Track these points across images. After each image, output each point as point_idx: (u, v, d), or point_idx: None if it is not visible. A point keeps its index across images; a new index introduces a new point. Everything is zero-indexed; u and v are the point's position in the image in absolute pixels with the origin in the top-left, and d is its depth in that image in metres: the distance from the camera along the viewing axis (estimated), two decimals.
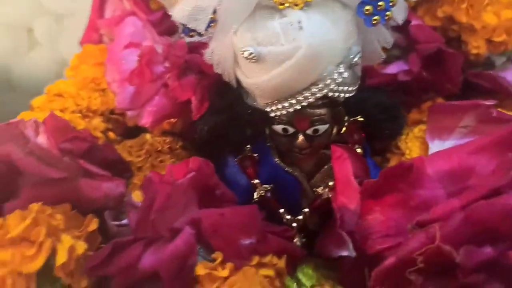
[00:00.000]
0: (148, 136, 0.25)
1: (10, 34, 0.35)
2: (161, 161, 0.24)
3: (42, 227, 0.17)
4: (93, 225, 0.19)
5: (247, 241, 0.18)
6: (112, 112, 0.26)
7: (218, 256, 0.17)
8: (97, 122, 0.25)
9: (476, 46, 0.29)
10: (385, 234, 0.18)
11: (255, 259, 0.18)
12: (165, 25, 0.27)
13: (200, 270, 0.17)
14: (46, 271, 0.17)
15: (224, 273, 0.17)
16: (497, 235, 0.15)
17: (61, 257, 0.17)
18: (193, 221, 0.18)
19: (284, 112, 0.21)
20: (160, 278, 0.18)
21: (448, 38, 0.29)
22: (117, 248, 0.18)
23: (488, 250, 0.15)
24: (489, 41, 0.30)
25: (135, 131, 0.27)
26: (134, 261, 0.18)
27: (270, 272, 0.18)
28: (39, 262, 0.17)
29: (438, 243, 0.15)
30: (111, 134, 0.26)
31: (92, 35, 0.29)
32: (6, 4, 0.34)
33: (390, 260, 0.16)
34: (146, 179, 0.19)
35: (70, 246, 0.17)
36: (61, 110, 0.26)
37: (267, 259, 0.18)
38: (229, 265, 0.17)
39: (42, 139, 0.19)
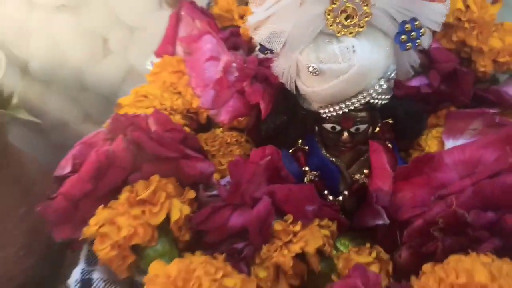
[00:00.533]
0: (218, 131, 0.32)
1: (87, 42, 0.42)
2: (230, 151, 0.31)
3: (162, 192, 0.23)
4: (191, 194, 0.25)
5: (310, 208, 0.24)
6: (188, 111, 0.32)
7: (290, 217, 0.23)
8: (178, 119, 0.31)
9: (484, 65, 0.35)
10: (413, 206, 0.24)
11: (316, 221, 0.24)
12: (230, 42, 0.33)
13: (277, 226, 0.23)
14: (164, 225, 0.23)
15: (296, 228, 0.23)
16: (497, 204, 0.21)
17: (175, 215, 0.23)
18: (269, 192, 0.24)
19: (334, 113, 0.27)
20: (243, 234, 0.24)
21: (461, 58, 0.35)
22: (213, 210, 0.24)
23: (490, 214, 0.21)
24: (494, 61, 0.36)
25: (205, 127, 0.33)
26: (225, 220, 0.24)
27: (327, 232, 0.24)
28: (160, 218, 0.23)
29: (454, 208, 0.21)
30: (187, 129, 0.32)
31: (168, 47, 0.35)
32: (86, 15, 0.41)
33: (418, 222, 0.22)
34: (233, 162, 0.25)
35: (180, 208, 0.23)
36: (148, 108, 0.32)
37: (324, 222, 0.24)
38: (298, 223, 0.23)
39: (153, 129, 0.25)
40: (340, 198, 0.29)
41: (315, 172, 0.29)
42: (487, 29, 0.34)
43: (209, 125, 0.33)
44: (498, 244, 0.21)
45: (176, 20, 0.35)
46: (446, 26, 0.34)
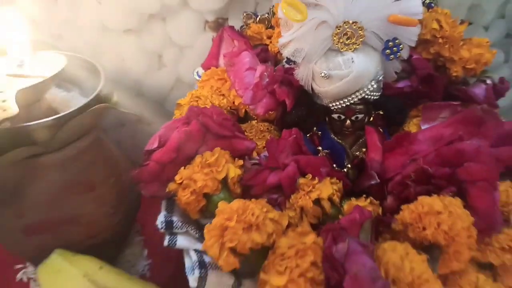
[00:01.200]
0: (254, 122, 0.42)
1: (146, 58, 0.53)
2: (263, 136, 0.41)
3: (222, 158, 0.34)
4: (240, 162, 0.36)
5: (323, 170, 0.34)
6: (230, 108, 0.43)
7: (309, 176, 0.34)
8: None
9: (456, 71, 0.45)
10: (395, 168, 0.34)
11: (328, 179, 0.34)
12: (261, 56, 0.44)
13: (301, 181, 0.33)
14: (224, 181, 0.34)
15: (314, 182, 0.33)
16: (451, 162, 0.31)
17: (231, 174, 0.34)
18: (295, 160, 0.35)
19: (339, 106, 0.37)
20: (277, 188, 0.34)
21: (437, 66, 0.46)
22: (256, 172, 0.34)
23: (447, 169, 0.31)
24: (464, 68, 0.46)
25: (243, 120, 0.44)
26: (265, 178, 0.34)
27: (335, 186, 0.34)
28: (222, 175, 0.33)
29: (422, 165, 0.31)
30: None
31: (213, 61, 0.46)
32: (146, 37, 0.52)
33: (398, 177, 0.33)
34: (269, 140, 0.35)
35: (234, 170, 0.34)
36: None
37: (333, 180, 0.34)
38: (316, 179, 0.33)
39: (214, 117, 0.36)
40: (345, 170, 0.40)
41: (327, 151, 0.40)
42: (456, 43, 0.44)
43: (246, 118, 0.43)
44: (454, 190, 0.32)
45: (219, 41, 0.46)
46: (425, 41, 0.44)
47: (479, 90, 0.44)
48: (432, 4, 0.47)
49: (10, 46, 0.35)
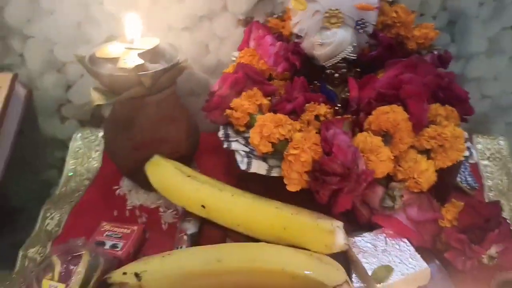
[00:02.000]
0: (275, 81, 0.64)
1: (197, 47, 0.75)
2: (282, 89, 0.63)
3: (259, 93, 0.55)
4: (268, 98, 0.57)
5: (320, 99, 0.55)
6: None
7: (312, 102, 0.55)
8: None
9: (411, 45, 0.66)
10: (365, 97, 0.55)
11: (323, 104, 0.55)
12: (279, 38, 0.66)
13: (308, 107, 0.55)
14: (260, 107, 0.55)
15: (316, 106, 0.54)
16: (396, 87, 0.52)
17: (264, 101, 0.55)
18: (303, 94, 0.56)
19: (330, 64, 0.59)
20: (293, 111, 0.55)
21: (397, 42, 0.67)
22: (279, 101, 0.56)
23: (393, 91, 0.52)
24: (417, 43, 0.67)
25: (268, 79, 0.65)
26: (284, 106, 0.55)
27: (328, 110, 0.55)
28: (259, 102, 0.55)
29: (378, 90, 0.52)
30: None
31: (245, 45, 0.68)
32: (197, 32, 0.74)
33: (366, 101, 0.54)
34: (285, 83, 0.57)
35: (265, 100, 0.55)
36: None
37: (327, 106, 0.55)
38: (316, 105, 0.55)
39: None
40: (336, 108, 0.61)
41: (324, 95, 0.61)
42: (409, 25, 0.65)
43: (270, 79, 0.65)
44: (398, 104, 0.52)
45: (249, 31, 0.68)
46: (387, 25, 0.65)
47: (426, 57, 0.65)
48: (394, 2, 0.68)
49: (127, 30, 0.57)
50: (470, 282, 0.50)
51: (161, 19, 0.71)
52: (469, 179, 0.66)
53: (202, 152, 0.68)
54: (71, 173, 0.70)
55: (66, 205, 0.63)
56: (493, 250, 0.49)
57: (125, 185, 0.66)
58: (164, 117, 0.58)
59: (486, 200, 0.69)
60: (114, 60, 0.55)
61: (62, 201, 0.64)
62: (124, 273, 0.43)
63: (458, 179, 0.66)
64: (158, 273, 0.43)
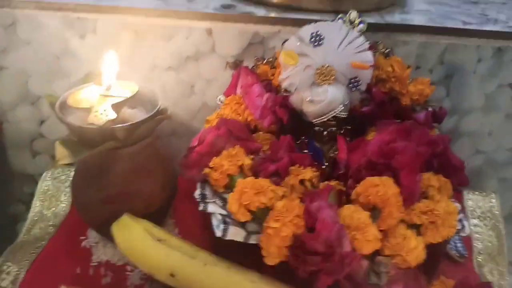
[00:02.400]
0: (261, 133, 0.60)
1: (181, 88, 0.71)
2: (267, 142, 0.59)
3: (241, 152, 0.51)
4: (251, 157, 0.53)
5: (307, 162, 0.52)
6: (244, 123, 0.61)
7: (297, 165, 0.51)
8: None
9: (405, 101, 0.63)
10: (355, 162, 0.51)
11: (309, 168, 0.51)
12: (267, 88, 0.63)
13: (292, 168, 0.51)
14: (241, 168, 0.51)
15: (301, 169, 0.50)
16: (388, 156, 0.49)
17: (246, 162, 0.51)
18: (288, 155, 0.52)
19: (319, 122, 0.55)
20: (277, 173, 0.51)
21: (391, 97, 0.64)
22: (262, 161, 0.52)
23: (385, 160, 0.48)
24: (411, 99, 0.64)
25: (253, 132, 0.62)
26: (267, 167, 0.51)
27: (315, 174, 0.51)
28: (240, 163, 0.51)
29: (369, 157, 0.49)
30: None
31: (232, 90, 0.64)
32: (183, 73, 0.70)
33: (356, 167, 0.50)
34: (271, 141, 0.53)
35: (248, 160, 0.51)
36: None
37: (314, 169, 0.52)
38: (302, 168, 0.51)
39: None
40: (323, 166, 0.57)
41: (311, 152, 0.57)
42: (405, 81, 0.62)
43: (255, 130, 0.61)
44: (389, 174, 0.49)
45: (237, 76, 0.64)
46: (382, 80, 0.62)
47: (420, 115, 0.62)
48: (390, 54, 0.66)
49: (104, 74, 0.53)
50: None
51: (145, 57, 0.68)
52: (459, 246, 0.63)
53: (181, 198, 0.63)
54: (36, 217, 0.65)
55: (26, 257, 0.58)
56: None
57: (92, 236, 0.61)
58: (138, 169, 0.54)
59: (475, 265, 0.65)
60: (87, 109, 0.51)
61: (22, 251, 0.59)
62: None
63: (448, 246, 0.62)
64: None
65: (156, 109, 0.53)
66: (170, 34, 0.66)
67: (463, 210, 0.70)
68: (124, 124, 0.50)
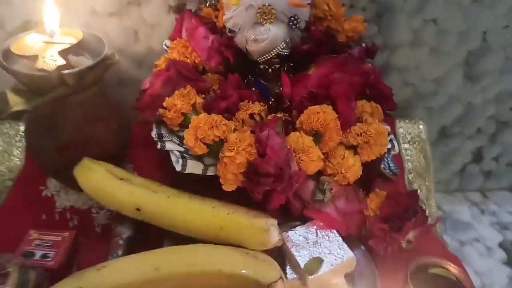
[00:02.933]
0: (209, 74, 0.63)
1: (126, 34, 0.71)
2: (215, 82, 0.62)
3: (192, 92, 0.54)
4: (202, 96, 0.56)
5: (254, 97, 0.56)
6: (192, 65, 0.63)
7: (246, 101, 0.55)
8: None
9: (341, 38, 0.68)
10: (297, 95, 0.56)
11: (257, 103, 0.55)
12: (211, 29, 0.64)
13: (242, 103, 0.55)
14: (194, 105, 0.54)
15: (250, 105, 0.54)
16: (327, 87, 0.54)
17: (198, 101, 0.54)
18: (237, 92, 0.56)
19: (263, 59, 0.59)
20: (228, 110, 0.55)
21: (329, 35, 0.68)
22: (213, 100, 0.55)
23: (324, 91, 0.54)
24: (346, 36, 0.70)
25: (201, 73, 0.64)
26: (219, 104, 0.55)
27: (262, 108, 0.56)
28: (193, 101, 0.54)
29: (310, 89, 0.54)
30: None
31: (177, 34, 0.66)
32: (126, 19, 0.70)
33: (298, 98, 0.55)
34: (221, 80, 0.56)
35: (199, 98, 0.55)
36: None
37: (261, 103, 0.56)
38: (250, 103, 0.55)
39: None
40: (270, 101, 0.62)
41: (258, 90, 0.61)
42: (340, 19, 0.67)
43: (203, 72, 0.64)
44: (328, 103, 0.54)
45: (181, 20, 0.65)
46: (319, 18, 0.66)
47: (355, 51, 0.68)
48: None
49: (45, 21, 0.52)
50: (391, 265, 0.55)
51: (84, 2, 0.66)
52: (391, 165, 0.72)
53: (136, 145, 0.66)
54: None
55: None
56: (410, 236, 0.54)
57: (52, 186, 0.62)
58: (89, 116, 0.55)
59: (406, 182, 0.75)
60: (33, 57, 0.50)
61: None
62: None
63: (382, 166, 0.71)
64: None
65: (104, 55, 0.54)
66: None
67: (394, 135, 0.79)
68: (73, 70, 0.50)
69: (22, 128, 0.70)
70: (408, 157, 0.81)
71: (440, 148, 0.99)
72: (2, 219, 0.57)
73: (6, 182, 0.64)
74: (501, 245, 0.95)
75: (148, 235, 0.53)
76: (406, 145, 0.83)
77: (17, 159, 0.67)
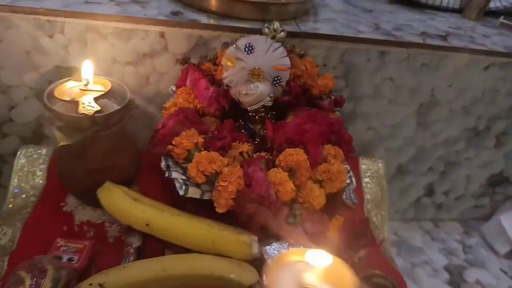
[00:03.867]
0: (207, 117, 0.78)
1: (139, 79, 0.86)
2: (213, 124, 0.77)
3: (195, 133, 0.69)
4: (202, 136, 0.71)
5: (244, 139, 0.71)
6: (194, 110, 0.78)
7: (237, 142, 0.70)
8: None
9: (315, 92, 0.85)
10: (278, 138, 0.72)
11: (246, 143, 0.71)
12: (211, 81, 0.80)
13: (234, 144, 0.70)
14: (196, 144, 0.69)
15: (239, 144, 0.70)
16: (300, 134, 0.70)
17: (200, 140, 0.69)
18: (230, 134, 0.71)
19: (252, 109, 0.74)
20: (223, 148, 0.70)
21: (305, 89, 0.85)
22: (211, 140, 0.70)
23: (298, 137, 0.69)
24: (319, 90, 0.86)
25: (201, 116, 0.79)
26: (215, 143, 0.70)
27: (250, 147, 0.71)
28: (195, 140, 0.68)
29: (287, 135, 0.69)
30: None
31: (182, 82, 0.81)
32: (140, 67, 0.85)
33: (278, 142, 0.70)
34: (218, 124, 0.71)
35: (200, 138, 0.69)
36: None
37: (249, 144, 0.71)
38: (240, 143, 0.70)
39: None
40: (256, 141, 0.77)
41: (246, 132, 0.77)
42: (314, 76, 0.83)
43: (203, 115, 0.79)
44: (302, 147, 0.70)
45: (186, 71, 0.81)
46: (298, 76, 0.83)
47: (325, 102, 0.84)
48: (304, 56, 0.86)
49: (83, 71, 0.67)
50: None
51: (107, 53, 0.81)
52: (352, 196, 0.87)
53: (144, 171, 0.79)
54: (17, 190, 0.77)
55: (16, 221, 0.70)
56: (361, 253, 0.69)
57: (70, 202, 0.75)
58: (113, 147, 0.69)
59: (365, 211, 0.91)
60: (71, 101, 0.64)
61: (12, 217, 0.71)
62: (90, 284, 0.54)
63: (344, 196, 0.86)
64: (117, 283, 0.55)
65: (127, 101, 0.68)
66: (128, 36, 0.80)
67: (357, 170, 0.95)
68: (104, 113, 0.65)
69: (44, 151, 0.82)
70: (368, 190, 0.97)
71: (398, 183, 1.17)
72: (31, 227, 0.69)
73: (31, 198, 0.76)
74: (445, 268, 1.11)
75: (153, 246, 0.67)
76: (367, 179, 0.99)
77: (40, 179, 0.79)
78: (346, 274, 0.33)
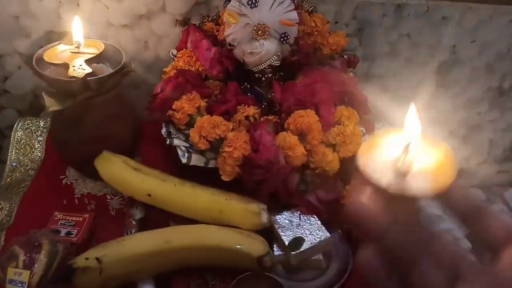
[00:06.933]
0: (211, 81, 0.72)
1: (137, 44, 0.80)
2: (216, 88, 0.71)
3: (197, 96, 0.64)
4: (205, 100, 0.66)
5: (250, 101, 0.65)
6: (196, 73, 0.73)
7: (242, 105, 0.65)
8: None
9: (326, 51, 0.78)
10: (286, 100, 0.66)
11: (252, 107, 0.65)
12: (213, 42, 0.74)
13: (239, 107, 0.64)
14: (198, 108, 0.64)
15: (245, 107, 0.64)
16: (311, 94, 0.64)
17: (202, 104, 0.64)
18: (235, 97, 0.65)
19: (258, 69, 0.69)
20: (227, 112, 0.65)
21: (315, 48, 0.78)
22: (215, 104, 0.65)
23: (308, 97, 0.64)
24: (331, 49, 0.80)
25: (204, 80, 0.74)
26: (219, 107, 0.65)
27: (256, 111, 0.65)
28: (197, 104, 0.63)
29: (297, 96, 0.64)
30: None
31: (183, 45, 0.75)
32: (137, 30, 0.79)
33: (287, 104, 0.65)
34: (221, 86, 0.66)
35: (203, 102, 0.64)
36: None
37: (255, 107, 0.66)
38: (246, 106, 0.65)
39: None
40: (263, 105, 0.72)
41: (252, 95, 0.71)
42: (325, 34, 0.77)
43: (206, 78, 0.73)
44: (312, 108, 0.64)
45: (187, 33, 0.75)
46: (307, 33, 0.76)
47: (337, 62, 0.78)
48: (313, 12, 0.79)
49: (73, 33, 0.61)
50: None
51: (101, 16, 0.75)
52: None
53: (146, 140, 0.75)
54: (15, 164, 0.74)
55: (14, 195, 0.67)
56: None
57: (71, 175, 0.71)
58: (109, 115, 0.65)
59: None
60: (62, 65, 0.59)
61: (10, 191, 0.68)
62: (87, 258, 0.50)
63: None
64: (116, 256, 0.51)
65: (122, 65, 0.63)
66: None
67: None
68: (97, 77, 0.60)
69: (42, 123, 0.79)
70: None
71: None
72: (29, 202, 0.66)
73: (29, 172, 0.73)
74: (467, 237, 1.06)
75: (156, 217, 0.63)
76: None
77: (38, 152, 0.76)
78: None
